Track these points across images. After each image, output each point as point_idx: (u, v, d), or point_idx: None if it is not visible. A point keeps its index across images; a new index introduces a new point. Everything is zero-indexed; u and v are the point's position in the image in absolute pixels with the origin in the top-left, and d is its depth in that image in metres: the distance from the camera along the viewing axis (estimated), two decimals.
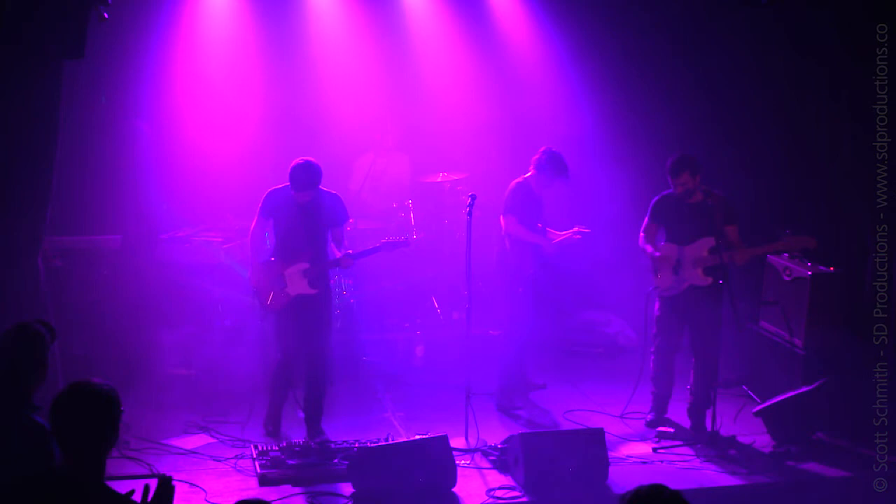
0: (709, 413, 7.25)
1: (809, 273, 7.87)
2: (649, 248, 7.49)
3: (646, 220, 7.61)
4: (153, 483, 3.86)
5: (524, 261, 7.66)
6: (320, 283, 7.14)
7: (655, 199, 7.57)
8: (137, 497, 3.77)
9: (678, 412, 7.74)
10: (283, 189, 7.12)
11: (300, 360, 7.29)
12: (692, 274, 7.36)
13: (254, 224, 7.26)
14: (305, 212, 7.06)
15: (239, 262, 8.60)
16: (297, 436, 7.13)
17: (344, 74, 9.75)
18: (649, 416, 7.65)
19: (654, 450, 7.10)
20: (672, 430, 7.37)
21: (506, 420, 7.61)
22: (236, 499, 5.20)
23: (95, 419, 3.72)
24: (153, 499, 3.79)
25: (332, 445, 6.75)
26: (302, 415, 7.36)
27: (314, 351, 7.20)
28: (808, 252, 7.86)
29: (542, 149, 7.75)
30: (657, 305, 7.57)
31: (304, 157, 7.03)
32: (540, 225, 7.77)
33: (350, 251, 7.20)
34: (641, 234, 7.60)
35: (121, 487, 3.87)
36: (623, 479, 6.51)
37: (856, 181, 8.13)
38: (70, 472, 3.69)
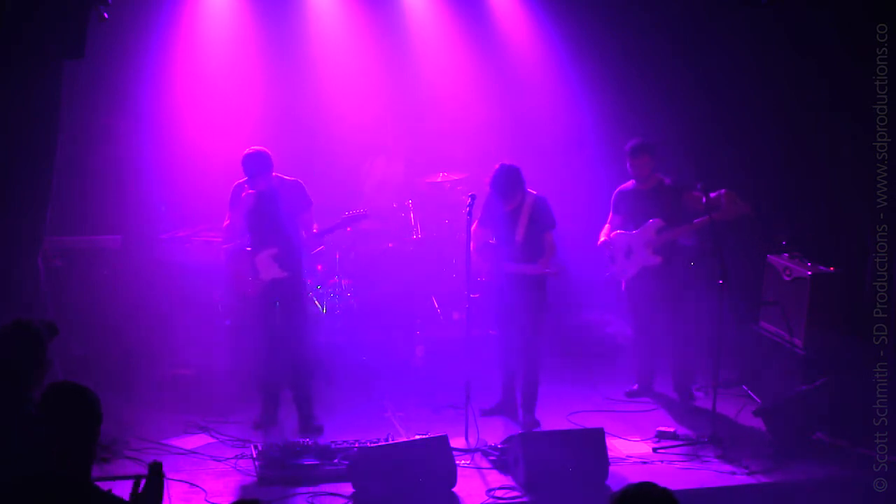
0: (708, 411, 7.27)
1: (809, 273, 7.87)
2: (600, 237, 8.01)
3: (610, 214, 8.09)
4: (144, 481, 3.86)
5: (478, 267, 7.54)
6: (291, 266, 7.28)
7: (614, 193, 8.06)
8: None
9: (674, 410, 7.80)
10: (245, 181, 7.29)
11: (283, 351, 7.37)
12: (643, 255, 7.84)
13: (226, 219, 7.42)
14: (265, 199, 7.23)
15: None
16: (294, 435, 7.14)
17: (344, 74, 9.75)
18: (633, 387, 8.06)
19: (654, 450, 7.10)
20: (673, 429, 7.38)
21: (506, 420, 7.60)
22: (236, 499, 5.19)
23: (84, 417, 3.73)
24: (144, 487, 3.79)
25: (332, 445, 6.75)
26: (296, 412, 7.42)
27: (293, 339, 7.31)
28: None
29: (497, 165, 7.39)
30: (623, 288, 8.09)
31: (254, 147, 7.24)
32: (493, 240, 7.55)
33: (316, 229, 7.40)
34: (607, 227, 8.05)
35: (121, 487, 3.87)
36: (623, 479, 6.49)
37: (856, 181, 8.12)
38: (62, 472, 3.68)
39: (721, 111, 9.57)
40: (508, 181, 7.30)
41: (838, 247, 8.46)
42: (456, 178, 9.72)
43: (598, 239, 8.14)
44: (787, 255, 8.21)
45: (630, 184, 7.97)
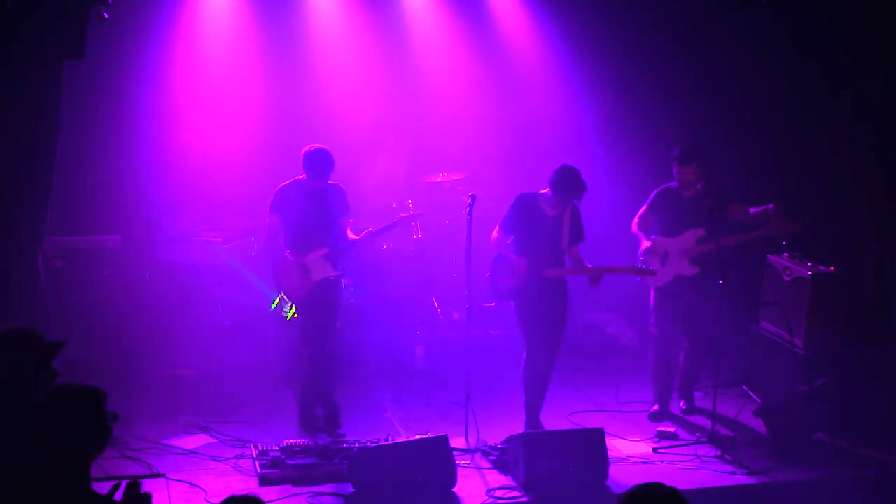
0: (708, 411, 7.27)
1: (809, 273, 7.87)
2: (642, 240, 7.69)
3: (643, 208, 7.79)
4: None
5: (497, 274, 7.35)
6: (340, 266, 7.27)
7: (657, 190, 7.75)
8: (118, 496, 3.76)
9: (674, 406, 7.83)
10: (292, 183, 7.23)
11: (294, 351, 7.39)
12: (679, 264, 7.55)
13: (268, 223, 7.29)
14: (317, 200, 7.16)
15: (243, 263, 8.65)
16: (295, 435, 7.15)
17: (344, 74, 9.75)
18: (654, 408, 7.76)
19: (654, 450, 7.10)
20: (673, 429, 7.38)
21: (506, 420, 7.59)
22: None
23: (82, 421, 3.71)
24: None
25: (333, 445, 6.75)
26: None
27: (326, 339, 7.28)
28: (798, 239, 7.80)
29: (558, 166, 7.17)
30: (652, 296, 7.75)
31: (316, 144, 7.15)
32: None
33: (371, 229, 7.35)
34: (636, 220, 7.79)
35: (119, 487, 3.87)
36: (623, 479, 6.50)
37: (856, 181, 8.13)
38: (55, 477, 3.66)
39: (721, 111, 9.57)
40: (577, 182, 7.04)
41: (838, 247, 8.46)
42: (456, 178, 9.72)
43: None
44: (787, 255, 8.20)
45: (674, 185, 7.64)
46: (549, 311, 7.25)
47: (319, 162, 7.07)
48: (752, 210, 7.54)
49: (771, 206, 7.44)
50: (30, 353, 4.62)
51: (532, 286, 7.20)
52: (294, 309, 7.66)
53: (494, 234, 7.36)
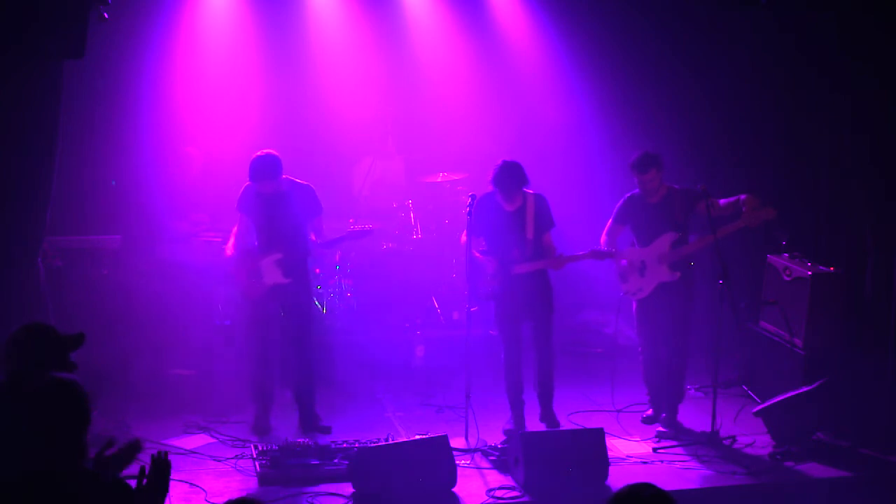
0: (707, 411, 7.26)
1: (809, 273, 7.87)
2: (618, 259, 7.57)
3: (609, 221, 7.66)
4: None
5: (474, 277, 7.33)
6: (294, 273, 7.25)
7: (621, 201, 7.62)
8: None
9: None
10: (254, 184, 7.28)
11: (285, 354, 7.44)
12: (659, 271, 7.44)
13: (237, 220, 7.40)
14: (272, 203, 7.20)
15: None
16: (295, 435, 7.14)
17: (344, 75, 9.76)
18: (648, 412, 7.74)
19: (655, 450, 7.11)
20: (672, 429, 7.37)
21: (506, 420, 7.59)
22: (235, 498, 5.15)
23: (78, 406, 3.76)
24: (149, 478, 3.80)
25: (332, 445, 6.75)
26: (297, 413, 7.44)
27: (297, 343, 7.33)
28: (771, 224, 7.69)
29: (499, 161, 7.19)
30: (634, 307, 7.67)
31: (265, 150, 7.21)
32: (485, 247, 7.39)
33: (319, 240, 7.36)
34: (603, 236, 7.65)
35: None
36: (623, 479, 6.49)
37: (856, 181, 8.12)
38: (60, 465, 3.69)
39: (721, 111, 9.57)
40: (514, 177, 7.09)
41: (838, 247, 8.46)
42: (456, 178, 9.72)
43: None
44: (787, 255, 8.20)
45: (637, 192, 7.54)
46: (530, 306, 7.25)
47: (255, 168, 7.11)
48: (721, 202, 7.40)
49: (743, 196, 7.33)
50: (43, 352, 4.62)
51: (507, 286, 7.22)
52: None
53: (462, 237, 7.36)
